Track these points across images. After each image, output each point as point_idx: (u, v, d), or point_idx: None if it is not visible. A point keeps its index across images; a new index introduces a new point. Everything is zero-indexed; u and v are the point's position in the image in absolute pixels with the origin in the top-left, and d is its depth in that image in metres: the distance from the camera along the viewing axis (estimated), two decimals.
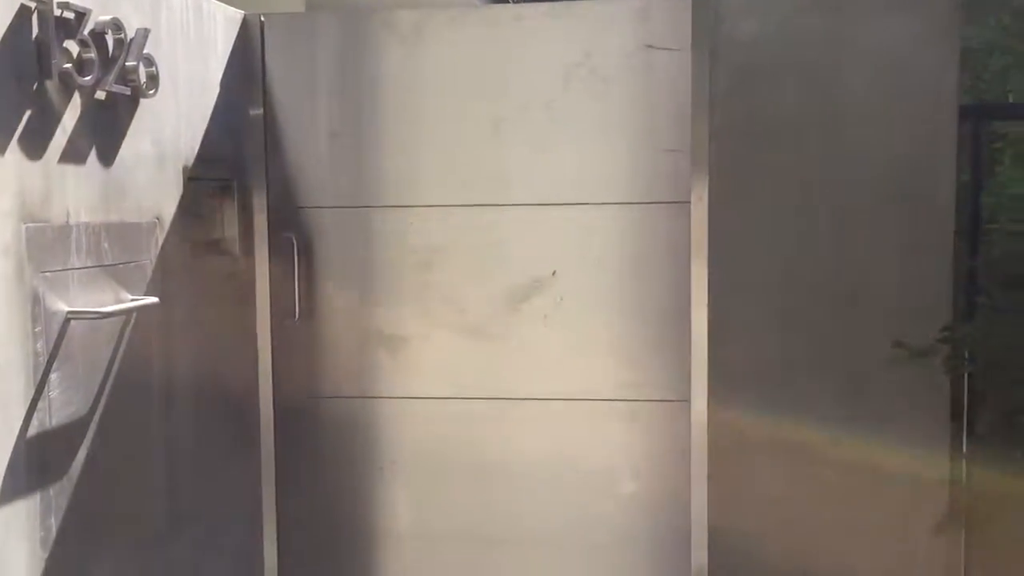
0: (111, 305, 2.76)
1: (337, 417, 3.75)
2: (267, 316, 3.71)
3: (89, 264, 2.68)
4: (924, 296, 3.37)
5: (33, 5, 2.43)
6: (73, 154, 2.63)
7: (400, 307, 3.68)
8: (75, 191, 2.63)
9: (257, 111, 3.65)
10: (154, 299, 2.94)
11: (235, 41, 3.56)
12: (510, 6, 3.76)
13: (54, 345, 2.53)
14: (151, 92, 2.94)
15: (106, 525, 2.79)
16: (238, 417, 3.66)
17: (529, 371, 3.63)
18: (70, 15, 2.55)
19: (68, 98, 2.60)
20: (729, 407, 3.47)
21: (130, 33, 2.79)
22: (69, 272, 2.60)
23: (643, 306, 3.55)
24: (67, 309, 2.58)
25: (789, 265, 3.45)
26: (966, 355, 3.32)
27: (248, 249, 3.65)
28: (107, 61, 2.71)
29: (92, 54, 2.64)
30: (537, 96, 3.54)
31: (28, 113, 2.44)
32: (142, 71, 2.86)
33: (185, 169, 3.21)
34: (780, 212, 3.44)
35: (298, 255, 3.67)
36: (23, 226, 2.41)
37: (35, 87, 2.48)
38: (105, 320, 2.72)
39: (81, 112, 2.65)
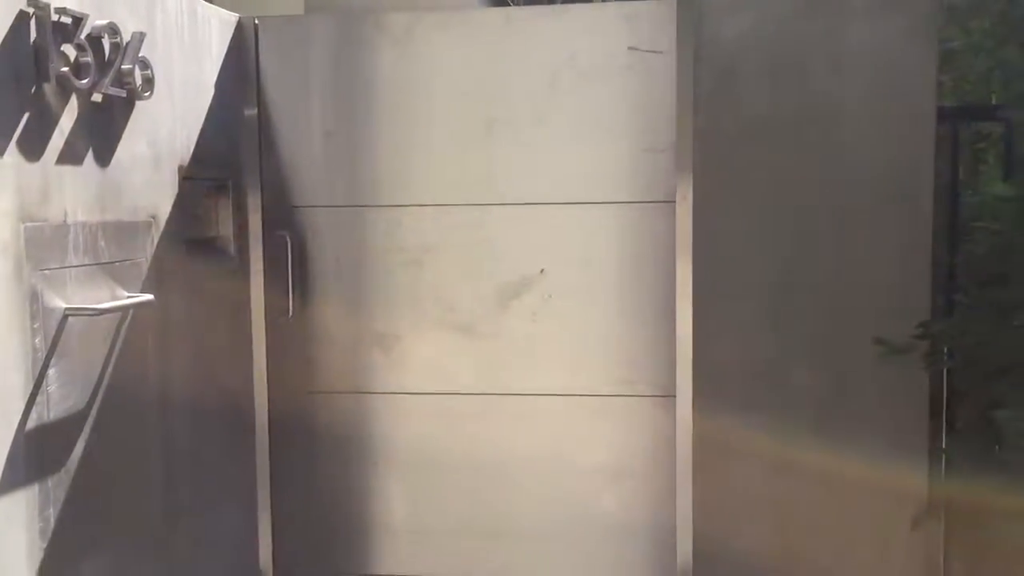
0: (107, 302, 2.82)
1: (331, 413, 3.82)
2: (261, 313, 3.77)
3: (86, 262, 2.75)
4: (904, 294, 3.43)
5: (31, 10, 2.49)
6: (70, 155, 2.69)
7: (393, 305, 3.74)
8: (72, 191, 2.70)
9: (251, 112, 3.71)
10: (149, 296, 3.00)
11: (230, 43, 3.62)
12: (498, 9, 3.83)
13: (52, 341, 2.60)
14: (147, 94, 3.00)
15: (103, 517, 2.85)
16: (233, 412, 3.72)
17: (518, 367, 3.70)
18: (67, 20, 2.62)
19: (65, 101, 2.67)
20: (714, 403, 3.54)
21: (126, 37, 2.85)
22: (67, 270, 2.66)
23: (630, 303, 3.62)
24: (65, 306, 2.64)
25: (771, 263, 3.51)
26: (945, 352, 3.38)
27: (243, 248, 3.71)
28: (103, 64, 2.78)
29: (89, 58, 2.70)
30: (525, 97, 3.60)
31: (26, 115, 2.51)
32: (138, 74, 2.92)
33: (180, 169, 3.27)
34: (763, 211, 3.50)
35: (292, 253, 3.72)
36: (22, 225, 2.47)
37: (33, 90, 2.54)
38: (102, 317, 2.78)
39: (78, 114, 2.71)
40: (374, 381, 3.79)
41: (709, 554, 3.56)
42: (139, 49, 2.91)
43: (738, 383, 3.54)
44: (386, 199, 3.72)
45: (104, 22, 2.76)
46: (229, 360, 3.68)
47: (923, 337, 3.19)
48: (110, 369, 2.87)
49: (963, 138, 3.92)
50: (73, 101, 2.70)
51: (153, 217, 3.11)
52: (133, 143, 2.99)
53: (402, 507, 3.82)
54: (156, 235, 3.12)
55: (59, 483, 2.65)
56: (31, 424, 2.52)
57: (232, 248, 3.65)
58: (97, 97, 2.79)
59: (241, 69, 3.68)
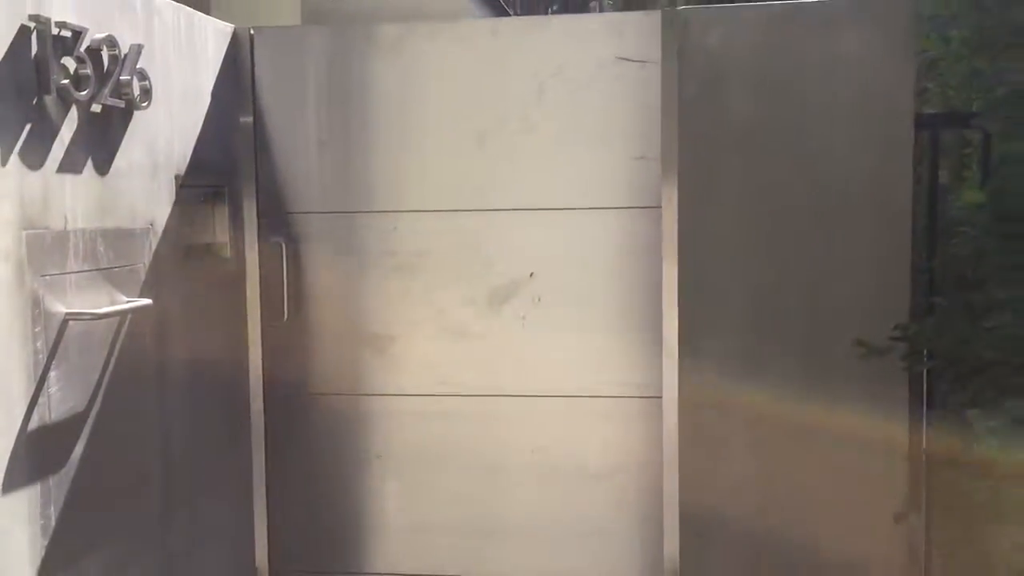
0: (106, 307, 2.90)
1: (325, 413, 3.89)
2: (257, 317, 3.84)
3: (86, 268, 2.82)
4: (884, 296, 3.51)
5: (33, 25, 2.57)
6: (71, 164, 2.77)
7: (386, 308, 3.82)
8: (72, 199, 2.77)
9: (247, 120, 3.79)
10: (147, 301, 3.08)
11: (226, 53, 3.70)
12: (488, 20, 3.91)
13: (53, 345, 2.68)
14: (144, 104, 3.08)
15: (102, 515, 2.93)
16: (229, 413, 3.79)
17: (509, 368, 3.78)
18: (67, 34, 2.70)
19: (66, 112, 2.75)
20: (700, 403, 3.62)
21: (124, 49, 2.93)
22: (67, 276, 2.74)
23: (617, 305, 3.70)
24: (65, 311, 2.72)
25: (755, 266, 3.59)
26: (925, 353, 3.46)
27: (238, 253, 3.78)
28: (102, 76, 2.86)
29: (88, 70, 2.78)
30: (515, 106, 3.68)
31: (28, 126, 2.59)
32: (136, 85, 3.00)
33: (177, 177, 3.35)
34: (746, 215, 3.57)
35: (287, 258, 3.80)
36: (23, 232, 2.55)
37: (35, 102, 2.62)
38: (101, 321, 2.86)
39: (78, 124, 2.79)
40: (367, 381, 3.86)
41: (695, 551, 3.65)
42: (137, 60, 2.99)
43: (722, 382, 3.61)
44: (379, 205, 3.80)
45: (103, 35, 2.84)
46: (225, 362, 3.76)
47: (900, 339, 3.26)
48: (109, 372, 2.95)
49: (948, 144, 4.00)
50: (73, 112, 2.78)
51: (151, 224, 3.19)
52: (131, 152, 3.07)
53: (396, 505, 3.90)
54: (154, 241, 3.20)
55: (60, 482, 2.72)
56: (33, 425, 2.60)
57: (228, 253, 3.72)
58: (96, 108, 2.87)
59: (237, 79, 3.76)
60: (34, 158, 2.62)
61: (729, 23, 3.56)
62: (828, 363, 3.54)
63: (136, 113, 3.07)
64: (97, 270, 2.88)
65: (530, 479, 3.81)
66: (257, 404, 3.88)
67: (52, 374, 2.67)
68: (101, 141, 2.93)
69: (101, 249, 2.90)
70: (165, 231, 3.26)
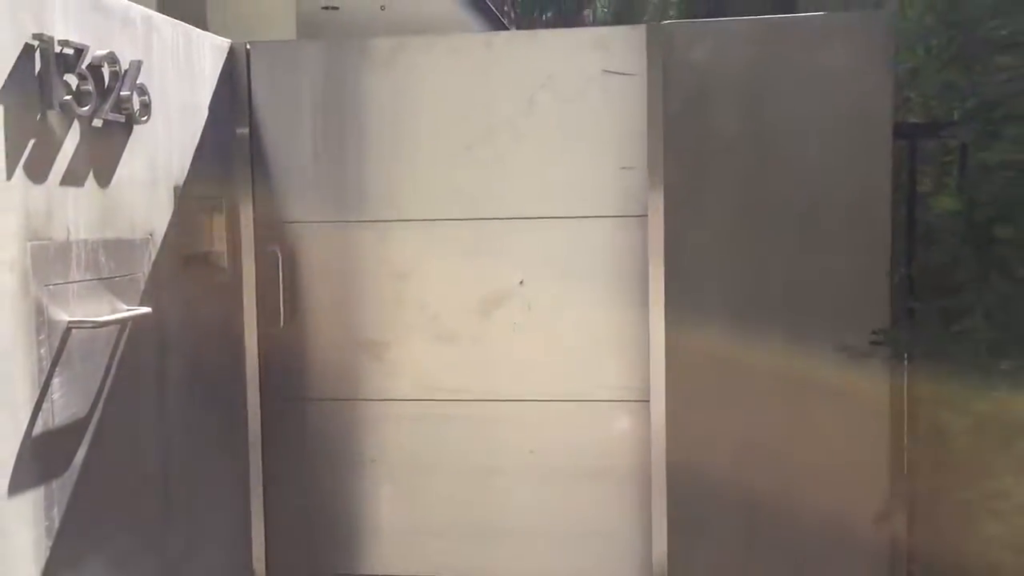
0: (108, 315, 2.98)
1: (321, 417, 3.97)
2: (254, 324, 3.92)
3: (88, 277, 2.91)
4: (864, 301, 3.59)
5: (36, 44, 2.66)
6: (73, 177, 2.85)
7: (380, 315, 3.90)
8: (75, 211, 2.86)
9: (243, 133, 3.87)
10: (147, 309, 3.16)
11: (223, 68, 3.79)
12: (479, 34, 4.01)
13: (56, 352, 2.75)
14: (144, 119, 3.16)
15: (104, 517, 3.00)
16: (227, 418, 3.87)
17: (501, 374, 3.86)
18: (69, 51, 2.78)
19: (68, 126, 2.83)
20: (686, 407, 3.70)
21: (124, 65, 3.02)
22: (70, 285, 2.82)
23: (605, 311, 3.79)
24: (68, 319, 2.80)
25: (739, 272, 3.67)
26: (905, 357, 3.55)
27: (236, 262, 3.86)
28: (103, 92, 2.94)
29: (90, 86, 2.86)
30: (505, 117, 3.77)
31: (32, 141, 2.67)
32: (135, 100, 3.08)
33: (176, 188, 3.43)
34: (730, 223, 3.66)
35: (283, 266, 3.88)
36: (28, 244, 2.64)
37: (39, 117, 2.71)
38: (102, 329, 2.94)
39: (80, 139, 2.87)
40: (362, 387, 3.94)
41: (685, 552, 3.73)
42: (137, 76, 3.07)
43: (706, 387, 3.69)
44: (373, 215, 3.88)
45: (104, 52, 2.92)
46: (223, 368, 3.83)
47: (879, 343, 3.35)
48: (110, 378, 3.02)
49: (931, 152, 4.09)
50: (75, 126, 2.86)
51: (151, 234, 3.27)
52: (132, 165, 3.15)
53: (392, 509, 3.97)
54: (153, 251, 3.28)
55: (63, 485, 2.80)
56: (37, 430, 2.68)
57: (226, 262, 3.79)
58: (98, 122, 2.95)
59: (234, 92, 3.84)
60: (38, 172, 2.70)
61: (712, 37, 3.66)
62: (809, 367, 3.62)
63: (136, 127, 3.15)
64: (99, 279, 2.96)
65: (521, 482, 3.89)
66: (254, 409, 3.95)
67: (55, 380, 2.75)
68: (102, 155, 3.01)
69: (102, 259, 2.98)
70: (164, 241, 3.33)
